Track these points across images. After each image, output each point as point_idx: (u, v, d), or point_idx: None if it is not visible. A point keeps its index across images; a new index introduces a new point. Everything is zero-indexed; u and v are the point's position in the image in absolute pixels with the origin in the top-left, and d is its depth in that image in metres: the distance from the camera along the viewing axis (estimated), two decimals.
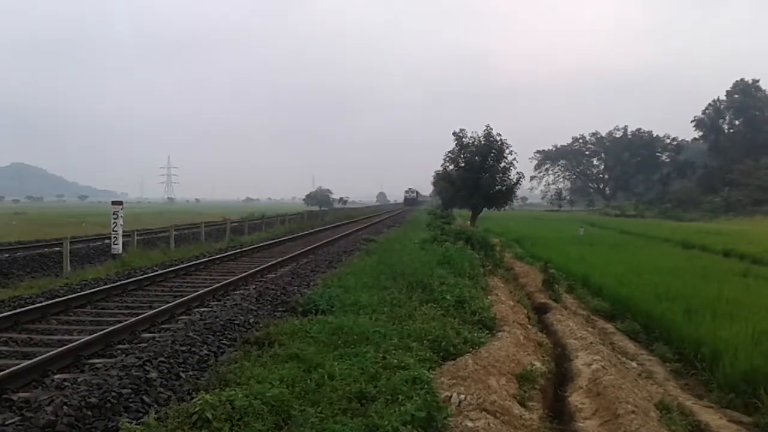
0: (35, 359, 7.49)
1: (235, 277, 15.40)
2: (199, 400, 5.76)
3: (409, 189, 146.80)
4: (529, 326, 12.68)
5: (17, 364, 7.29)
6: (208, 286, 14.07)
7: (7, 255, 20.00)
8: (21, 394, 6.64)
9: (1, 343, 9.05)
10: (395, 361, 7.56)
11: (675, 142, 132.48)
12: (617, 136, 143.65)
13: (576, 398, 8.38)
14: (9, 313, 10.49)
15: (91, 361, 8.14)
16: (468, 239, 24.65)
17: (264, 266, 17.77)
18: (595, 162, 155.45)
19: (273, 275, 16.60)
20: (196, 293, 12.93)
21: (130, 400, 6.40)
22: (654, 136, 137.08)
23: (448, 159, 42.66)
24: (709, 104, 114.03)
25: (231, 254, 21.74)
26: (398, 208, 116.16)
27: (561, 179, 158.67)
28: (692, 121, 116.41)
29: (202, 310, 11.81)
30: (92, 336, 8.88)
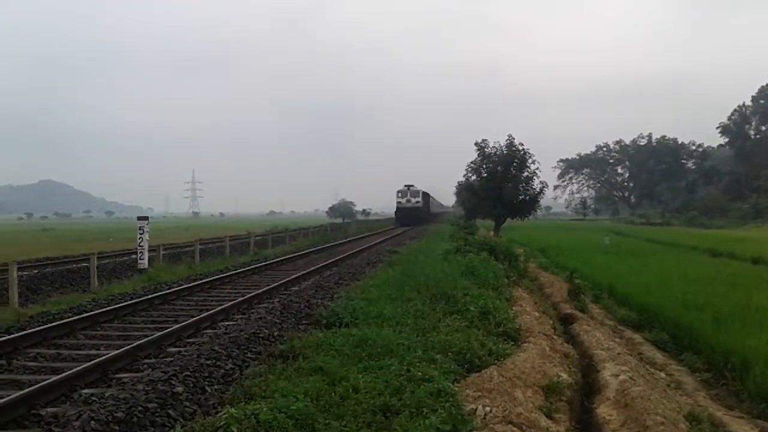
0: (63, 374, 7.58)
1: (259, 291, 15.48)
2: (224, 413, 5.79)
3: (408, 188, 72.23)
4: (554, 337, 12.56)
5: (46, 380, 7.39)
6: (232, 300, 14.15)
7: (36, 271, 20.33)
8: (49, 409, 6.72)
9: (29, 359, 9.18)
10: (419, 373, 7.52)
11: (701, 149, 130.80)
12: (642, 143, 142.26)
13: (603, 410, 8.27)
14: (38, 328, 10.65)
15: (118, 375, 8.22)
16: (492, 250, 24.56)
17: (288, 279, 17.83)
18: (619, 170, 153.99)
19: (297, 288, 16.66)
20: (221, 307, 13.01)
21: (157, 414, 6.44)
22: (679, 143, 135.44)
23: (470, 169, 42.66)
24: (735, 110, 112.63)
25: (255, 268, 21.85)
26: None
27: (585, 188, 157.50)
28: (718, 128, 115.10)
29: (227, 323, 11.88)
30: (119, 351, 8.97)
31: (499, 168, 40.42)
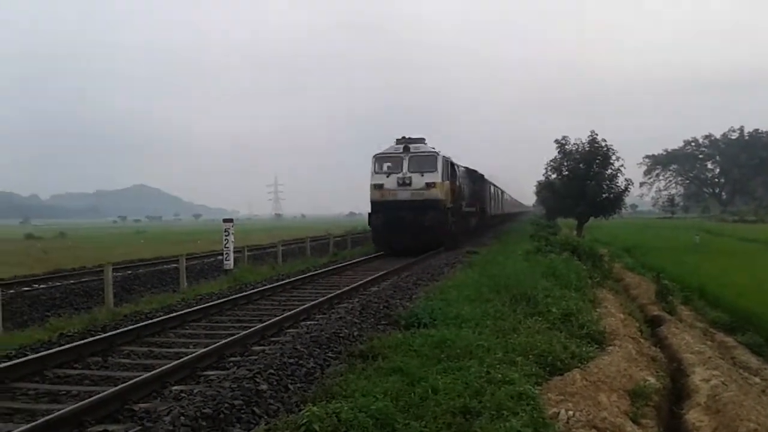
0: (155, 371, 7.90)
1: (339, 291, 15.66)
2: (306, 412, 5.90)
3: (405, 148, 25.16)
4: (641, 340, 12.18)
5: (139, 376, 7.73)
6: (313, 300, 14.37)
7: (129, 272, 21.33)
8: (141, 405, 7.01)
9: (123, 356, 9.61)
10: (500, 375, 7.44)
11: None
12: (733, 137, 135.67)
13: (693, 416, 7.96)
14: (131, 327, 11.13)
15: (205, 373, 8.50)
16: (574, 250, 24.01)
17: (366, 280, 17.95)
18: (709, 166, 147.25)
19: (375, 288, 16.75)
20: (303, 307, 13.23)
21: (242, 411, 6.62)
22: None
23: (550, 167, 41.78)
24: None
25: (334, 268, 22.10)
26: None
27: (673, 185, 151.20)
28: None
29: (308, 323, 12.07)
30: (207, 349, 9.27)
31: (581, 165, 39.44)
